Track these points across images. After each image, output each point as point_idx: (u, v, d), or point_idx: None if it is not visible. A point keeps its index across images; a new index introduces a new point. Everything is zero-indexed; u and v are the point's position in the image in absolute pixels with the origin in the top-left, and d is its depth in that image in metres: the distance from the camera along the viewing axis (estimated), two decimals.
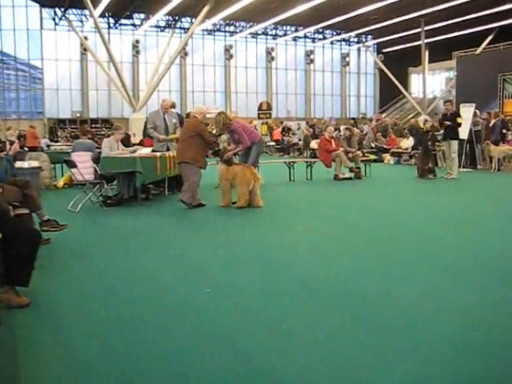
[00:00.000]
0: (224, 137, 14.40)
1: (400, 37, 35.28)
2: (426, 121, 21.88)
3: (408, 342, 3.21)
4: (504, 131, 16.57)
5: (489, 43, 30.38)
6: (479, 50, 28.53)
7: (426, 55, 34.15)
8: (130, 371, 2.89)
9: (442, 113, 14.09)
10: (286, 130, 25.55)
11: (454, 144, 13.28)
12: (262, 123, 26.14)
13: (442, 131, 14.81)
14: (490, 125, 16.66)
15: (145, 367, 2.92)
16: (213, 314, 3.77)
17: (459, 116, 13.50)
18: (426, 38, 32.88)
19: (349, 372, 2.84)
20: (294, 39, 39.16)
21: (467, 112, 15.48)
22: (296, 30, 36.93)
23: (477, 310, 3.79)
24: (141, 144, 11.62)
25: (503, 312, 3.73)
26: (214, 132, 13.90)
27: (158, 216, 8.21)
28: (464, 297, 4.07)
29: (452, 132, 13.25)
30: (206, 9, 25.65)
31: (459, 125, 13.31)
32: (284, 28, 36.99)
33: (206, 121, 10.08)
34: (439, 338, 3.26)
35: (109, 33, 32.76)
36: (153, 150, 10.23)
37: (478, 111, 16.64)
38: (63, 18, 31.44)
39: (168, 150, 10.21)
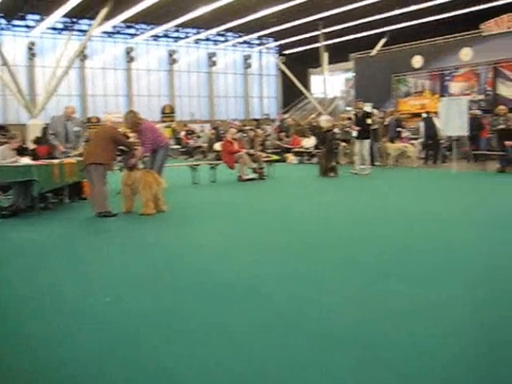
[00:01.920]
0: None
1: (300, 39, 36.14)
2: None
3: (321, 346, 3.30)
4: (399, 129, 17.39)
5: (383, 46, 31.75)
6: (374, 52, 29.75)
7: (325, 57, 35.15)
8: None
9: (353, 113, 14.81)
10: (190, 133, 25.45)
11: (367, 143, 14.11)
12: (166, 127, 25.92)
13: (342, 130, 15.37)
14: (386, 123, 17.43)
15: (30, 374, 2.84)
16: (113, 321, 3.70)
17: (369, 117, 14.37)
18: (325, 40, 33.87)
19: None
20: (196, 42, 39.10)
21: None
22: (198, 33, 36.86)
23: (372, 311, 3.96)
24: (34, 151, 11.17)
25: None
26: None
27: (57, 226, 7.93)
28: (349, 291, 4.24)
29: (364, 132, 14.05)
30: (104, 11, 25.05)
31: (369, 125, 14.17)
32: (185, 30, 36.84)
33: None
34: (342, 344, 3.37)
35: (0, 34, 31.25)
36: (55, 157, 9.93)
37: (375, 110, 17.36)
38: None
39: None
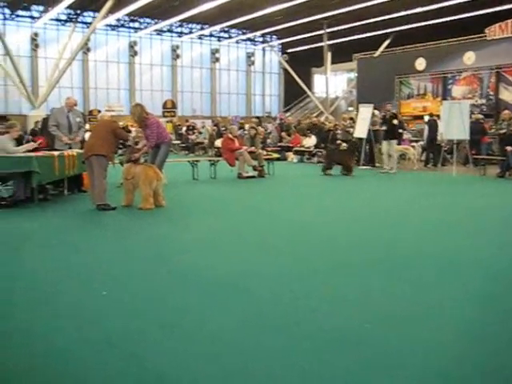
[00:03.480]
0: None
1: (304, 38, 36.15)
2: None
3: (289, 340, 3.29)
4: (400, 131, 17.33)
5: (386, 47, 31.76)
6: (378, 53, 29.74)
7: (328, 56, 35.20)
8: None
9: (382, 115, 15.08)
10: (191, 129, 25.43)
11: (394, 143, 14.49)
12: (167, 122, 25.91)
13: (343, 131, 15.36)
14: None
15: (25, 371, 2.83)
16: (107, 315, 3.69)
17: (395, 118, 14.70)
18: (329, 39, 33.91)
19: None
20: (200, 37, 39.09)
21: (366, 112, 16.10)
22: (202, 29, 36.86)
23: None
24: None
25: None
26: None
27: (55, 217, 7.91)
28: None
29: (391, 133, 14.44)
30: (109, 3, 25.06)
31: (394, 126, 14.50)
32: (189, 26, 36.82)
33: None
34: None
35: (4, 24, 31.24)
36: (55, 149, 9.88)
37: (376, 111, 17.32)
38: None
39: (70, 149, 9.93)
